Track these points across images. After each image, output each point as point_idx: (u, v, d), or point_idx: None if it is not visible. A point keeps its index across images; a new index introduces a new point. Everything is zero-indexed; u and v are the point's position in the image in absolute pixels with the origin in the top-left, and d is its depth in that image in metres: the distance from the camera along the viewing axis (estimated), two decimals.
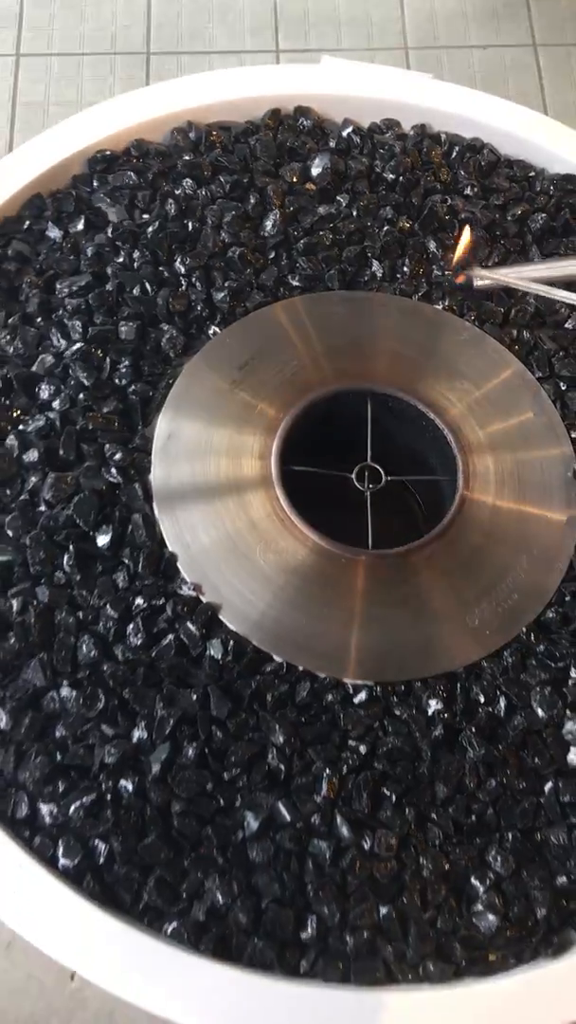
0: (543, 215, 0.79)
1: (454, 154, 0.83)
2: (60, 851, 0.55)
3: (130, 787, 0.57)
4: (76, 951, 0.53)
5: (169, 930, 0.54)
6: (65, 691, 0.59)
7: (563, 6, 1.54)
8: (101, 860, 0.55)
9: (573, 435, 0.71)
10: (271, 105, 0.83)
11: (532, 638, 0.64)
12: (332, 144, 0.82)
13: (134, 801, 0.57)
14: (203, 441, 0.68)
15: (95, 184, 0.78)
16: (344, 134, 0.83)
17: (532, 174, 0.83)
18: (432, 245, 0.77)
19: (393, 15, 1.52)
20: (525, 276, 0.72)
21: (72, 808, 0.56)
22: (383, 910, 0.55)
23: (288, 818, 0.57)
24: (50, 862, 0.56)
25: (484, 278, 0.73)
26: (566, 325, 0.75)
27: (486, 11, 1.53)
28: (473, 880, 0.57)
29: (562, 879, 0.57)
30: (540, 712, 0.61)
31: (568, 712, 0.61)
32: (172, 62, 1.50)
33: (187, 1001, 0.52)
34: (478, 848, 0.58)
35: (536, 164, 0.84)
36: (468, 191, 0.81)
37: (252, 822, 0.57)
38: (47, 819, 0.57)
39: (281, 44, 1.51)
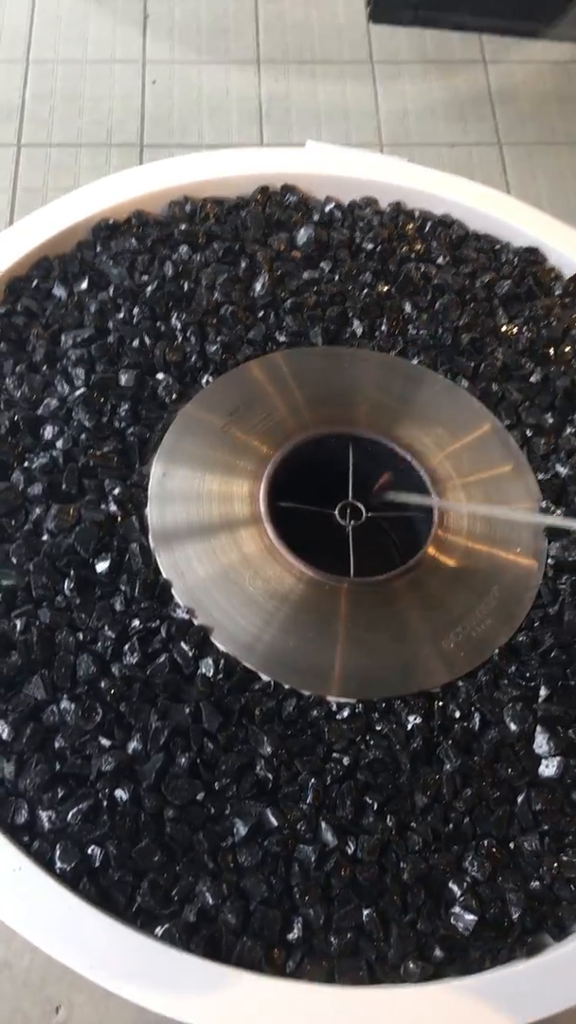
0: (508, 282, 0.87)
1: (427, 228, 0.90)
2: (58, 855, 0.58)
3: (125, 795, 0.60)
4: (73, 951, 0.55)
5: (160, 932, 0.57)
6: (65, 704, 0.62)
7: (524, 108, 1.67)
8: (97, 864, 0.58)
9: (539, 476, 0.77)
10: (260, 183, 0.91)
11: (504, 660, 0.68)
12: (316, 217, 0.90)
13: (129, 808, 0.60)
14: (196, 480, 0.73)
15: (98, 249, 0.85)
16: (327, 209, 0.91)
17: (498, 247, 0.91)
18: (408, 307, 0.84)
19: (369, 114, 1.65)
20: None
21: (70, 814, 0.59)
22: (366, 912, 0.58)
23: (275, 824, 0.60)
24: (48, 865, 0.58)
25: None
26: (531, 379, 0.82)
27: (454, 111, 1.66)
28: (451, 884, 0.60)
29: (535, 883, 0.60)
30: (512, 727, 0.65)
31: (539, 727, 0.65)
32: (164, 154, 1.60)
33: (181, 998, 0.54)
34: (455, 854, 0.61)
35: (501, 238, 0.92)
36: (440, 260, 0.88)
37: (241, 828, 0.60)
38: (46, 824, 0.59)
39: (266, 139, 1.63)
